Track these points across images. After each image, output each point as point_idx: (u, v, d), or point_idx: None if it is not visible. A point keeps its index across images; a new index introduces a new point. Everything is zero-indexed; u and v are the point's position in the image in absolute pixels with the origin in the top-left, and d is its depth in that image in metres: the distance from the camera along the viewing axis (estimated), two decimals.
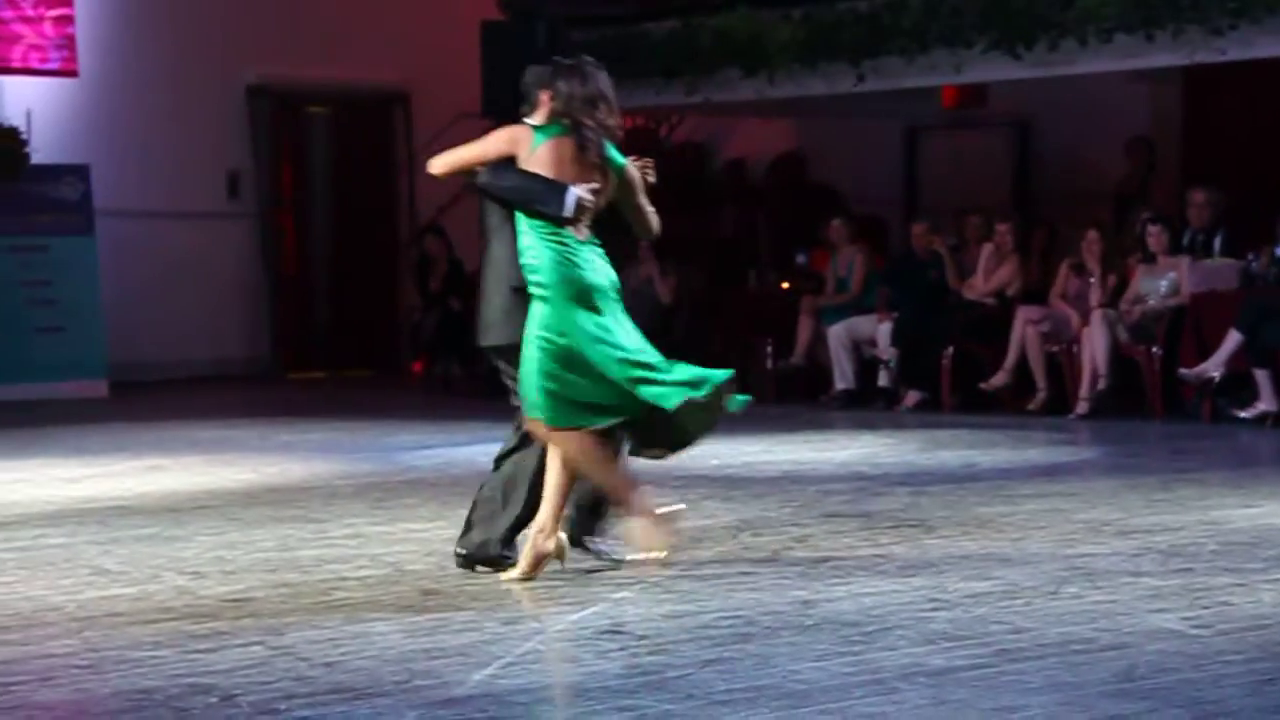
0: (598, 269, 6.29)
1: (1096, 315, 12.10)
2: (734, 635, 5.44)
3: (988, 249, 13.14)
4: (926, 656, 5.12)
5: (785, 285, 14.87)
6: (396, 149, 17.71)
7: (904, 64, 13.19)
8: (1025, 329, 12.51)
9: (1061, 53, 12.49)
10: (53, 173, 15.34)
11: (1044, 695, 4.69)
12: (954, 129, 16.67)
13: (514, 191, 6.30)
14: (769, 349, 14.09)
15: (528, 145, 6.31)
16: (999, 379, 12.65)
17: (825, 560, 6.72)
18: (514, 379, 6.42)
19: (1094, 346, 12.04)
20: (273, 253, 17.28)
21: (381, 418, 12.89)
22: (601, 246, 6.35)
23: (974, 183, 16.02)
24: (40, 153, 15.25)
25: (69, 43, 15.60)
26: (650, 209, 6.52)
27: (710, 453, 10.43)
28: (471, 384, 14.67)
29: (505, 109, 14.68)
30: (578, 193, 6.22)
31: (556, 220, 6.22)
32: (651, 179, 6.50)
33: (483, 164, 6.37)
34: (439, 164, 6.45)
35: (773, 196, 17.51)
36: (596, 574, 6.47)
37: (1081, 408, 12.09)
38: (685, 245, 16.43)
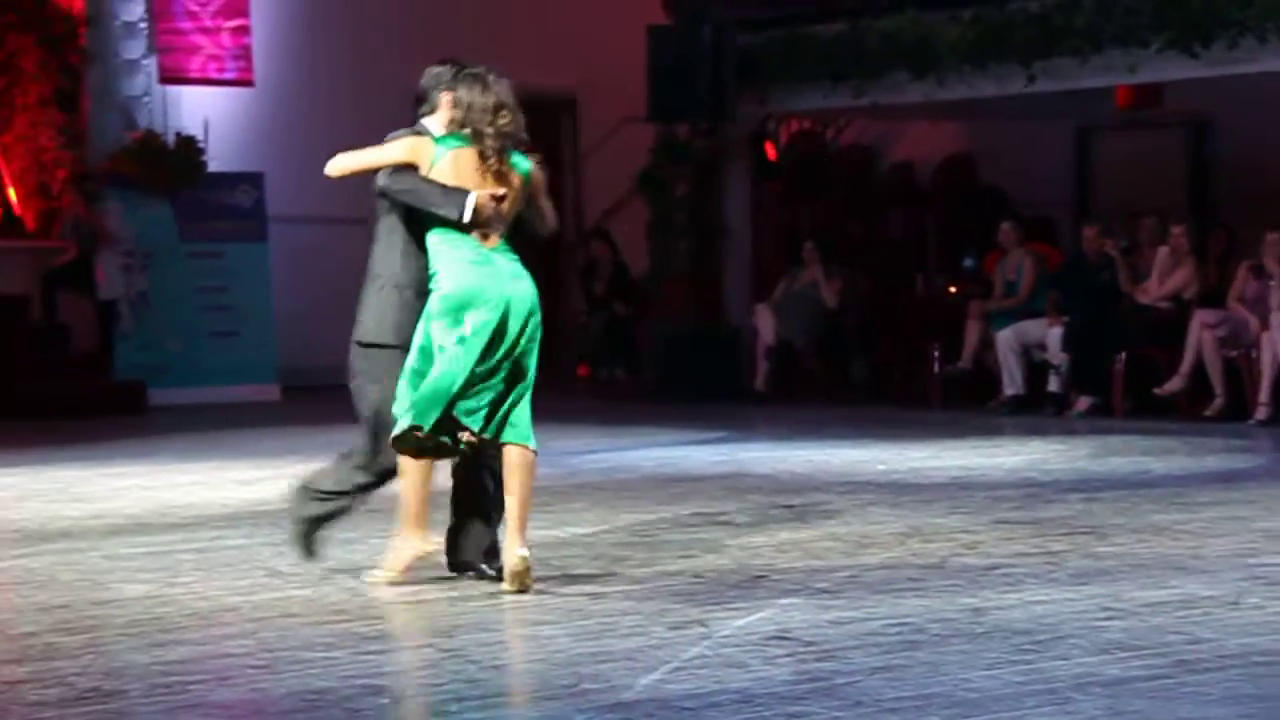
0: (501, 279, 6.21)
1: (1277, 318, 11.80)
2: (903, 642, 5.38)
3: (1163, 252, 12.90)
4: (1101, 666, 5.03)
5: (952, 289, 14.71)
6: (562, 153, 17.78)
7: (1076, 64, 12.99)
8: (1202, 333, 12.25)
9: (1241, 51, 12.22)
10: (228, 181, 15.66)
11: (1224, 708, 4.58)
12: (1128, 129, 16.37)
13: (413, 195, 6.26)
14: (936, 353, 13.96)
15: (429, 158, 6.25)
16: (1174, 384, 12.40)
17: (995, 567, 6.63)
18: (364, 377, 6.42)
19: (1277, 350, 11.75)
20: None
21: (547, 422, 12.73)
22: (518, 256, 6.29)
23: (1148, 184, 15.73)
24: (216, 161, 15.57)
25: (245, 53, 15.90)
26: (549, 206, 6.54)
27: (877, 458, 10.37)
28: (636, 388, 14.69)
29: (671, 113, 14.96)
30: (478, 198, 6.17)
31: (458, 225, 6.18)
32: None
33: (380, 169, 6.31)
34: (336, 166, 6.37)
35: (941, 199, 17.35)
36: (763, 579, 6.44)
37: (1261, 413, 11.81)
38: (852, 248, 16.35)
